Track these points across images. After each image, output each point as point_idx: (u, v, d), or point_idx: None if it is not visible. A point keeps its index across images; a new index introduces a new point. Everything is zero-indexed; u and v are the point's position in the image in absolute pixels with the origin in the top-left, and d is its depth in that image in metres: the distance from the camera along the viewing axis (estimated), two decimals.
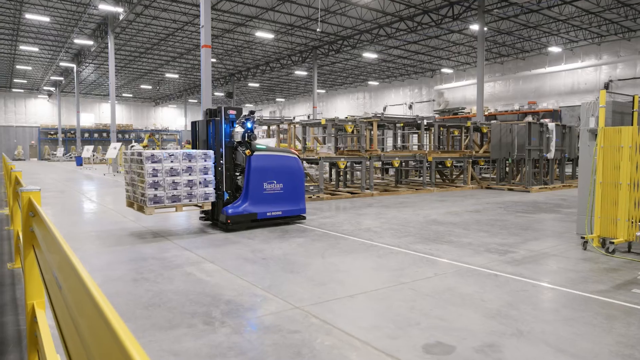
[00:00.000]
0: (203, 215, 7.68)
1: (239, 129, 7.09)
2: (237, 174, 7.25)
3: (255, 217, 7.08)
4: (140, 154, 6.09)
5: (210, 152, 6.61)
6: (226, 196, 7.05)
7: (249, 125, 7.02)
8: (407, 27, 23.37)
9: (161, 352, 2.84)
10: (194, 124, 7.63)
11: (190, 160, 6.37)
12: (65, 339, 1.34)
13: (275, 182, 7.26)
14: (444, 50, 29.13)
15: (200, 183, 6.46)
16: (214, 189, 6.69)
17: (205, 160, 6.54)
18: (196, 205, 6.51)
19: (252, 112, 7.27)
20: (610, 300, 3.81)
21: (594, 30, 24.35)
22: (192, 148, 7.56)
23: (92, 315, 0.95)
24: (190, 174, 6.37)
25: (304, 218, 7.74)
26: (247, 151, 7.01)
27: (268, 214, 7.20)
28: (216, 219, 7.25)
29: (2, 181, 16.77)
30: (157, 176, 6.07)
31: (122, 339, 0.76)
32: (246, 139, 7.02)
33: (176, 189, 6.25)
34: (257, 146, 7.17)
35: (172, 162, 6.20)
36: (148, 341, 2.99)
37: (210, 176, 6.57)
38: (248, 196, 7.04)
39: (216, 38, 27.33)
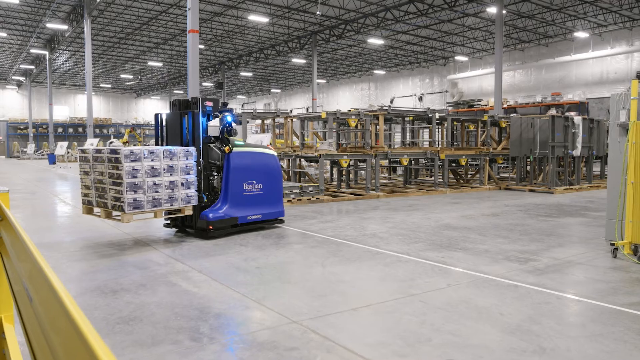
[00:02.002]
0: (169, 222, 7.36)
1: (213, 123, 6.97)
2: (215, 173, 7.12)
3: (236, 221, 7.04)
4: (115, 151, 5.90)
5: (192, 149, 6.54)
6: (204, 198, 6.95)
7: (228, 118, 6.90)
8: (417, 9, 23.38)
9: None
10: (157, 116, 7.36)
11: (171, 159, 6.26)
12: (37, 357, 1.34)
13: (255, 182, 7.24)
14: (458, 35, 29.14)
15: (182, 184, 6.36)
16: (195, 190, 6.59)
17: (187, 159, 6.45)
18: (175, 211, 6.41)
19: (225, 104, 7.25)
20: None
21: (625, 13, 24.35)
22: (156, 144, 7.39)
23: (66, 331, 0.95)
24: (171, 174, 6.25)
25: (283, 221, 7.84)
26: (227, 148, 6.93)
27: (249, 217, 7.19)
28: (188, 225, 7.11)
29: None
30: (136, 177, 5.91)
31: (100, 357, 0.76)
32: (224, 135, 6.95)
33: (157, 192, 6.10)
34: (235, 142, 7.14)
35: (152, 160, 6.06)
36: (129, 359, 2.99)
37: (193, 176, 6.50)
38: (228, 199, 6.95)
39: (204, 22, 27.34)
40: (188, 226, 7.17)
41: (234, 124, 7.02)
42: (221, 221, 6.84)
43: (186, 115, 7.05)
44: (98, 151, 6.18)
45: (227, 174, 6.96)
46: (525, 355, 3.04)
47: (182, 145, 7.03)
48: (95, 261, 5.54)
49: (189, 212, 6.54)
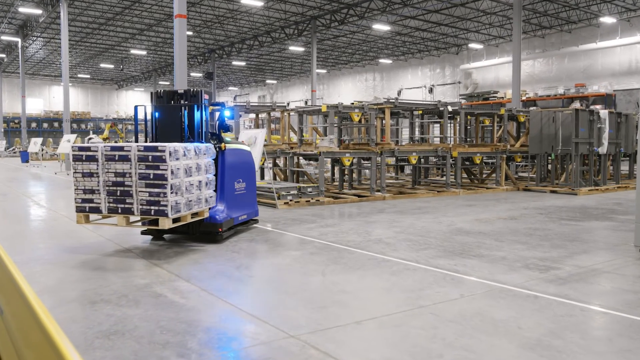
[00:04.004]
0: (146, 228, 6.92)
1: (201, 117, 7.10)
2: None
3: (233, 222, 7.25)
4: (155, 149, 5.72)
5: (211, 146, 6.69)
6: None
7: (227, 113, 7.06)
8: None
9: None
10: (137, 109, 7.38)
11: (199, 157, 6.34)
12: None
13: (241, 180, 7.47)
14: (472, 21, 29.15)
15: (206, 184, 6.48)
16: (213, 190, 6.75)
17: (207, 157, 6.58)
18: (193, 215, 6.40)
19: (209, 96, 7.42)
20: None
21: None
22: (136, 140, 7.39)
23: (40, 346, 0.95)
24: (199, 173, 6.34)
25: (257, 221, 8.20)
26: (223, 145, 7.10)
27: (240, 218, 7.43)
28: (177, 230, 7.01)
29: None
30: (177, 177, 5.85)
31: None
32: (218, 130, 7.04)
33: (192, 193, 6.14)
34: (226, 139, 7.33)
35: (189, 158, 6.13)
36: None
37: (212, 175, 6.64)
38: (225, 198, 7.10)
39: (193, 6, 27.34)
40: (173, 232, 7.15)
41: (226, 119, 7.10)
42: (227, 222, 7.03)
43: (186, 109, 7.06)
44: (116, 148, 5.93)
45: (223, 172, 7.08)
46: None
47: (181, 141, 7.03)
48: (73, 269, 5.54)
49: (207, 214, 6.62)
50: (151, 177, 5.73)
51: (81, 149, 6.10)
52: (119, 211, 5.92)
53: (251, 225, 8.06)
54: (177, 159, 5.81)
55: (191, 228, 6.94)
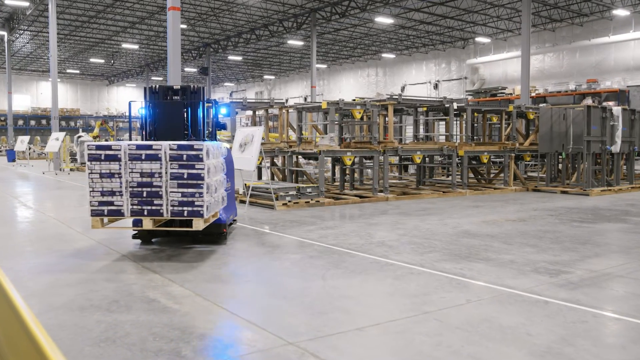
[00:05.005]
0: (137, 231, 6.88)
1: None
2: None
3: (229, 223, 7.50)
4: (190, 147, 5.76)
5: (222, 144, 6.83)
6: None
7: (223, 110, 7.12)
8: None
9: None
10: (131, 104, 7.50)
11: (217, 156, 6.49)
12: None
13: (228, 180, 7.61)
14: (479, 13, 29.15)
15: (222, 183, 6.61)
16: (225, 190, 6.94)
17: (222, 156, 6.71)
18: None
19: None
20: None
21: None
22: (131, 138, 7.51)
23: (28, 354, 0.95)
24: (219, 173, 6.47)
25: (236, 222, 8.55)
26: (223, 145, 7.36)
27: (231, 218, 7.64)
28: (173, 233, 7.06)
29: None
30: (209, 177, 5.94)
31: None
32: (213, 129, 7.19)
33: (216, 192, 6.27)
34: (218, 137, 7.60)
35: (215, 157, 6.26)
36: None
37: (224, 175, 6.81)
38: None
39: None
40: (168, 234, 7.17)
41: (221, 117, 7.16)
42: (228, 223, 7.20)
43: (190, 106, 7.13)
44: (142, 147, 5.86)
45: None
46: None
47: (183, 139, 7.06)
48: (61, 274, 5.53)
49: (219, 214, 6.71)
50: (185, 176, 5.75)
51: (99, 147, 5.91)
52: (145, 213, 5.85)
53: (234, 225, 8.33)
54: (209, 158, 5.94)
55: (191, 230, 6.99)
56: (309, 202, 11.09)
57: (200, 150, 5.71)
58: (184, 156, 5.75)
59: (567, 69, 30.50)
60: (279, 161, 14.99)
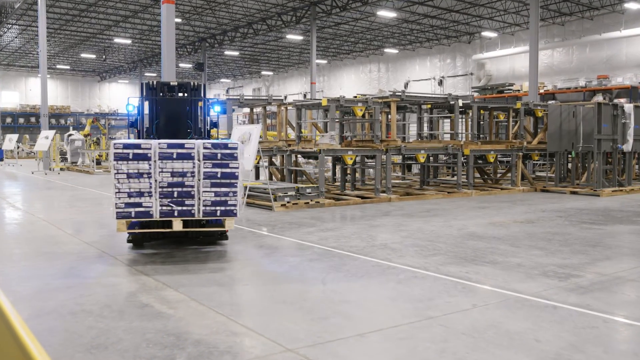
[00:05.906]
0: (131, 235, 6.73)
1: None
2: None
3: None
4: (225, 146, 5.91)
5: (239, 144, 6.85)
6: None
7: (217, 108, 7.16)
8: None
9: None
10: (129, 100, 7.49)
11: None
12: None
13: None
14: (485, 7, 29.16)
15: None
16: None
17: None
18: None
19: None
20: None
21: None
22: (129, 136, 7.50)
23: None
24: None
25: None
26: None
27: None
28: (168, 235, 6.96)
29: None
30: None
31: None
32: (209, 126, 7.22)
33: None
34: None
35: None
36: None
37: None
38: None
39: None
40: (163, 236, 7.15)
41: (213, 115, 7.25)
42: None
43: (194, 104, 7.17)
44: (174, 146, 5.90)
45: None
46: None
47: (186, 137, 7.09)
48: (51, 278, 5.53)
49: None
50: (219, 175, 5.85)
51: (127, 146, 5.87)
52: (175, 214, 5.89)
53: None
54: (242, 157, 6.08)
55: (190, 231, 6.96)
56: (308, 203, 11.09)
57: (235, 149, 5.86)
58: (219, 155, 5.86)
59: (577, 64, 30.50)
60: (277, 160, 14.99)
